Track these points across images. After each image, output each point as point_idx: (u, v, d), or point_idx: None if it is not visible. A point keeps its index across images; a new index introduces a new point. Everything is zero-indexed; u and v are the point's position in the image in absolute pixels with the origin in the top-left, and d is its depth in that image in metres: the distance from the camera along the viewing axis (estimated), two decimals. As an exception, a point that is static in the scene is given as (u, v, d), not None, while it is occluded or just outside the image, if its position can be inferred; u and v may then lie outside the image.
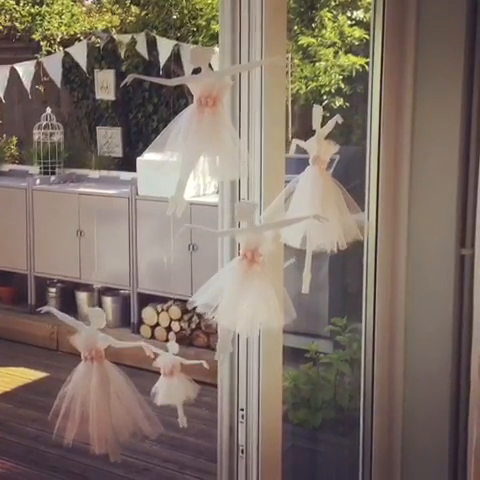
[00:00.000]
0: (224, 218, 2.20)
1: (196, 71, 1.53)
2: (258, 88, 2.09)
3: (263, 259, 1.59)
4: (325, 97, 5.03)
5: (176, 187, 1.58)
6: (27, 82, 5.82)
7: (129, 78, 1.61)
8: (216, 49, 5.71)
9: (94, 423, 1.71)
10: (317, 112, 1.77)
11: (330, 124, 1.81)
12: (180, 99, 5.75)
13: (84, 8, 6.75)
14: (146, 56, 5.71)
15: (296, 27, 5.17)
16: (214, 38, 5.69)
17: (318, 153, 1.78)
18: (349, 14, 5.26)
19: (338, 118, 1.83)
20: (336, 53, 5.10)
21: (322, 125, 1.78)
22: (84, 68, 5.81)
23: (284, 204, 1.79)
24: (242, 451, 2.24)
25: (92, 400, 1.70)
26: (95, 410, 1.70)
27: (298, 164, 1.89)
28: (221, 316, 1.61)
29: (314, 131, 1.78)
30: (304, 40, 5.11)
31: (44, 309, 1.87)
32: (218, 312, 1.61)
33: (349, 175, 3.82)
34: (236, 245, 2.18)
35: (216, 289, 1.63)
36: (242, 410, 2.22)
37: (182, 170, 1.55)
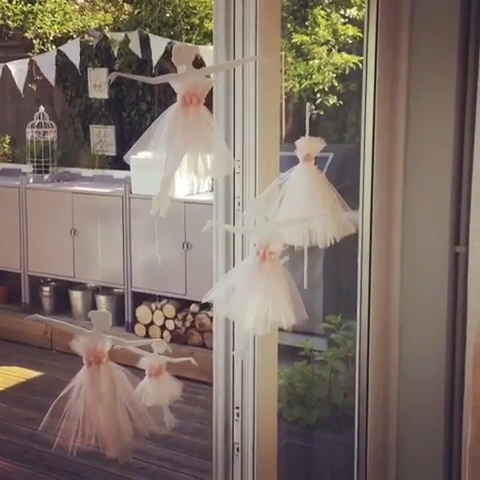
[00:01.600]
0: (218, 216, 2.19)
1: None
2: (252, 86, 2.08)
3: (274, 257, 1.62)
4: (319, 95, 5.03)
5: (160, 186, 1.58)
6: (20, 81, 5.79)
7: (112, 76, 1.62)
8: (210, 47, 5.73)
9: (106, 428, 1.68)
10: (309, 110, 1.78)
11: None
12: (173, 97, 5.71)
13: (77, 6, 6.72)
14: (139, 54, 5.70)
15: (289, 25, 5.16)
16: (207, 36, 5.69)
17: (309, 151, 1.78)
18: (342, 12, 5.26)
19: (309, 108, 1.83)
20: (329, 51, 5.10)
21: (311, 123, 1.79)
22: (77, 66, 5.79)
23: (275, 201, 1.80)
24: (237, 449, 2.24)
25: (103, 404, 1.66)
26: (106, 414, 1.67)
27: (287, 162, 1.91)
28: (232, 313, 1.65)
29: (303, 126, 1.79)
30: (297, 38, 5.11)
31: (33, 318, 1.79)
32: (230, 309, 1.64)
33: (343, 173, 3.83)
34: (231, 243, 2.19)
35: (229, 285, 1.67)
36: (237, 408, 2.22)
37: (167, 169, 1.54)
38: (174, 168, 1.54)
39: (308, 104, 1.72)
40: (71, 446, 1.71)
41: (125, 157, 1.61)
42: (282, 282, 1.64)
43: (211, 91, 1.69)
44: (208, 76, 1.59)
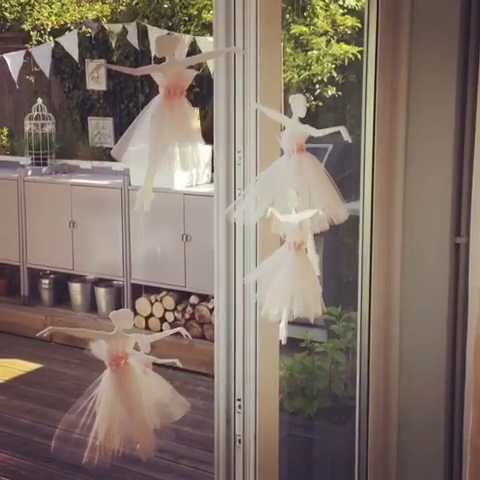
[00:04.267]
0: (219, 207, 2.19)
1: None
2: (253, 77, 2.08)
3: (304, 247, 1.69)
4: (317, 86, 5.02)
5: (144, 179, 1.57)
6: (15, 72, 5.77)
7: (97, 67, 1.60)
8: (209, 38, 5.70)
9: (138, 428, 1.66)
10: (300, 100, 1.75)
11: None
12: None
13: (74, -3, 6.70)
14: (137, 46, 5.68)
15: (288, 16, 5.14)
16: (206, 27, 5.67)
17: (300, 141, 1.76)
18: (341, 2, 5.24)
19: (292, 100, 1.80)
20: (328, 42, 5.09)
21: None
22: (76, 58, 5.76)
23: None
24: (239, 441, 2.24)
25: (132, 404, 1.63)
26: (137, 414, 1.64)
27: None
28: (268, 302, 1.71)
29: (303, 119, 1.77)
30: (296, 29, 5.09)
31: (46, 332, 1.72)
32: (265, 298, 1.71)
33: (343, 164, 3.82)
34: (232, 234, 2.18)
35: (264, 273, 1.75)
36: (239, 400, 2.22)
37: (150, 162, 1.52)
38: (158, 161, 1.52)
39: (291, 96, 1.68)
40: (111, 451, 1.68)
41: (112, 152, 1.59)
42: (311, 273, 1.71)
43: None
44: (190, 67, 1.57)
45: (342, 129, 1.73)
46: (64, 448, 1.75)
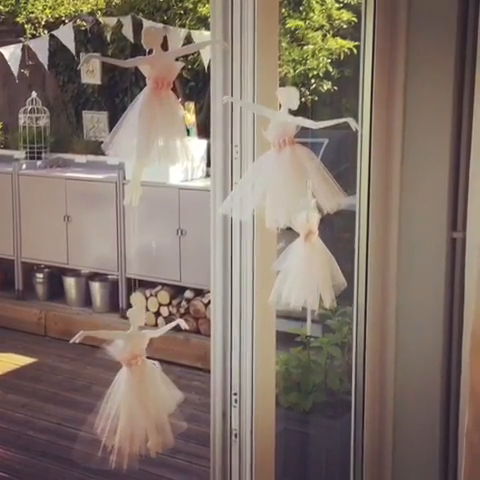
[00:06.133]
0: (216, 201, 2.18)
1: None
2: (250, 70, 2.07)
3: (314, 237, 1.77)
4: (313, 81, 5.01)
5: (132, 173, 1.56)
6: (14, 65, 5.74)
7: (87, 58, 1.60)
8: (204, 33, 5.67)
9: (155, 425, 1.67)
10: (291, 93, 1.73)
11: None
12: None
13: (69, -10, 6.66)
14: (132, 39, 5.65)
15: (284, 10, 5.13)
16: (201, 21, 5.65)
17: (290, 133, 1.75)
18: (336, -3, 5.24)
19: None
20: (324, 36, 5.08)
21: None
22: (73, 51, 5.73)
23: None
24: (235, 435, 2.24)
25: (151, 402, 1.64)
26: (156, 411, 1.66)
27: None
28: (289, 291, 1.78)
29: (295, 113, 1.75)
30: (292, 23, 5.08)
31: (78, 338, 1.69)
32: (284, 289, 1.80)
33: (338, 159, 3.82)
34: (228, 229, 2.18)
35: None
36: (235, 394, 2.21)
37: (138, 156, 1.51)
38: (147, 155, 1.51)
39: (280, 89, 1.66)
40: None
41: (103, 146, 1.58)
42: (326, 263, 1.80)
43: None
44: (177, 59, 1.56)
45: (350, 120, 1.72)
46: (82, 450, 1.75)
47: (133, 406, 1.62)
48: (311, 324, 1.96)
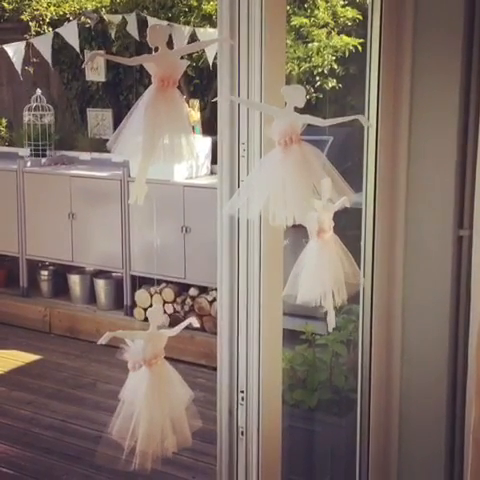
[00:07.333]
0: (223, 199, 2.18)
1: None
2: (258, 68, 2.06)
3: (327, 235, 1.77)
4: (318, 78, 5.01)
5: (137, 172, 1.55)
6: (18, 63, 5.74)
7: (92, 56, 1.59)
8: (209, 30, 5.65)
9: (175, 424, 1.67)
10: (297, 90, 1.72)
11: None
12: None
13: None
14: (137, 37, 5.66)
15: (289, 7, 5.13)
16: (206, 18, 5.65)
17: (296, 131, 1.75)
18: (341, -6, 5.23)
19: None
20: (329, 34, 5.08)
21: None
22: (77, 48, 5.73)
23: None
24: (242, 433, 2.24)
25: (172, 401, 1.64)
26: (177, 411, 1.66)
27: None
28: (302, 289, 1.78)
29: (305, 111, 1.75)
30: (297, 21, 5.08)
31: (104, 339, 1.62)
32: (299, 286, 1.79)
33: (344, 156, 3.81)
34: (235, 227, 2.17)
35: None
36: (242, 392, 2.21)
37: (144, 155, 1.51)
38: (152, 153, 1.51)
39: (285, 86, 1.64)
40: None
41: (108, 144, 1.58)
42: (338, 259, 1.79)
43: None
44: (182, 57, 1.55)
45: (360, 117, 1.73)
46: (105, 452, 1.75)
47: (155, 407, 1.61)
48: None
